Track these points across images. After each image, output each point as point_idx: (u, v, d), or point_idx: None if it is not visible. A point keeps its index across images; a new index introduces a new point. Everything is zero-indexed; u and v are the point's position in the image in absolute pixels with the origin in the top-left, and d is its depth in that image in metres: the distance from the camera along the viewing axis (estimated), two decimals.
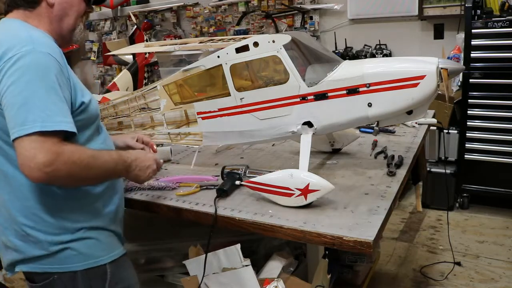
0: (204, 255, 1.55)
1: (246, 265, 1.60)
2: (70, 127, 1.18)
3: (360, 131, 2.23)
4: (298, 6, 4.56)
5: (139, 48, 2.58)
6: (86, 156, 1.21)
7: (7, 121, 1.16)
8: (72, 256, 1.31)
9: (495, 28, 3.22)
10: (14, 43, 1.19)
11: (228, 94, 1.64)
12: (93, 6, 1.53)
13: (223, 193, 1.57)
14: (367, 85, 1.47)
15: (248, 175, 1.63)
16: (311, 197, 1.42)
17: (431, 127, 2.66)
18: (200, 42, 1.90)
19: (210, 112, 1.71)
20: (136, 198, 1.68)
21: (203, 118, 1.73)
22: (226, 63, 1.60)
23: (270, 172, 1.54)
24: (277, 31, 4.72)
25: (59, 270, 1.30)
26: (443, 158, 3.68)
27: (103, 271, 1.35)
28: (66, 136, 1.19)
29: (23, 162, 1.12)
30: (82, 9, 1.38)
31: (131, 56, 3.90)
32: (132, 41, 4.42)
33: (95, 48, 6.01)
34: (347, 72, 1.51)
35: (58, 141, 1.15)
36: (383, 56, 4.12)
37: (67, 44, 1.41)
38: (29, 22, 1.31)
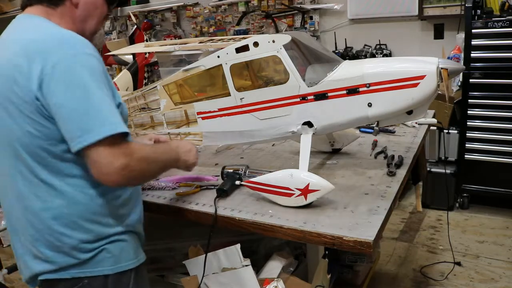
0: (204, 255, 1.55)
1: (246, 265, 1.60)
2: (127, 127, 1.17)
3: (360, 131, 2.23)
4: (298, 6, 4.56)
5: (139, 48, 2.58)
6: (149, 151, 1.25)
7: (65, 130, 1.12)
8: (105, 259, 1.26)
9: (495, 28, 3.22)
10: (54, 44, 1.14)
11: (228, 94, 1.64)
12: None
13: (223, 193, 1.57)
14: (367, 85, 1.47)
15: (248, 175, 1.63)
16: (311, 197, 1.43)
17: (431, 127, 2.66)
18: (200, 42, 1.90)
19: (210, 112, 1.71)
20: None
21: (203, 118, 1.73)
22: (226, 63, 1.60)
23: (270, 172, 1.54)
24: (277, 31, 4.72)
25: (90, 274, 1.25)
26: (443, 158, 3.68)
27: (128, 277, 1.31)
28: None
29: (99, 170, 1.12)
30: (104, 12, 1.35)
31: (131, 56, 3.89)
32: (132, 41, 4.42)
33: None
34: (347, 72, 1.51)
35: (125, 142, 1.15)
36: (383, 56, 4.12)
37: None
38: (51, 20, 1.25)
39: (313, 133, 1.57)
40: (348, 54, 4.22)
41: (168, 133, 1.87)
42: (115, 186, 1.19)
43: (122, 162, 1.12)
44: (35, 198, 1.21)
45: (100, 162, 1.11)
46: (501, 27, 3.20)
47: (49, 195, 1.20)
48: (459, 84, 3.60)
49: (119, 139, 1.13)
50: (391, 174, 1.68)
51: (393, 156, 1.84)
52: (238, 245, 1.63)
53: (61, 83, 1.10)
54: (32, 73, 1.11)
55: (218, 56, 1.62)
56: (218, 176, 1.72)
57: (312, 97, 1.53)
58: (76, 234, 1.22)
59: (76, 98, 1.10)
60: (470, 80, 3.38)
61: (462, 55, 3.48)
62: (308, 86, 1.53)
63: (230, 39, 1.72)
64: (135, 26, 4.43)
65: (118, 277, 1.28)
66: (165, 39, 5.16)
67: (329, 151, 1.98)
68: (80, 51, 1.15)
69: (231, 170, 1.67)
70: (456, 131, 3.57)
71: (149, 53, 3.45)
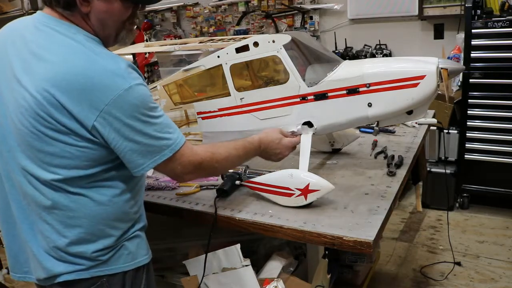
0: (204, 255, 1.55)
1: (246, 265, 1.60)
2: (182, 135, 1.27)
3: (360, 131, 2.23)
4: (298, 6, 4.56)
5: (139, 48, 2.58)
6: (220, 153, 1.37)
7: (128, 160, 1.18)
8: (123, 256, 1.27)
9: (495, 28, 3.22)
10: (105, 79, 1.10)
11: (228, 94, 1.64)
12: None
13: (223, 193, 1.57)
14: (367, 85, 1.47)
15: (248, 175, 1.64)
16: (311, 197, 1.43)
17: (431, 127, 2.66)
18: (200, 42, 1.90)
19: (210, 112, 1.71)
20: None
21: (203, 118, 1.73)
22: (226, 63, 1.60)
23: (270, 172, 1.54)
24: (277, 31, 4.72)
25: (109, 272, 1.25)
26: (443, 158, 3.68)
27: (141, 272, 1.33)
28: None
29: (174, 177, 1.33)
30: (125, 16, 1.25)
31: (131, 56, 3.89)
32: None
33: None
34: (347, 72, 1.51)
35: (189, 149, 1.26)
36: (383, 56, 4.12)
37: (112, 45, 1.30)
38: (75, 23, 1.20)
39: (313, 133, 1.57)
40: (348, 54, 4.22)
41: None
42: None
43: (191, 167, 1.28)
44: (63, 207, 1.20)
45: (172, 172, 1.28)
46: (501, 27, 3.19)
47: (77, 204, 1.20)
48: (459, 84, 3.60)
49: (180, 151, 1.23)
50: (391, 174, 1.68)
51: (393, 156, 1.84)
52: (238, 245, 1.63)
53: (118, 120, 1.12)
54: (83, 111, 1.10)
55: (218, 56, 1.62)
56: (218, 176, 1.72)
57: (312, 97, 1.53)
58: (99, 239, 1.23)
59: (136, 132, 1.15)
60: (470, 80, 3.38)
61: (462, 55, 3.47)
62: (308, 86, 1.53)
63: (230, 39, 1.72)
64: (135, 26, 4.41)
65: (134, 273, 1.30)
66: (165, 39, 5.16)
67: (329, 151, 1.97)
68: (133, 83, 1.13)
69: (231, 170, 1.67)
70: (456, 131, 3.57)
71: (149, 53, 3.45)
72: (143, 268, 1.33)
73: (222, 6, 5.02)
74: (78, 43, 1.16)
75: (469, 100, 3.44)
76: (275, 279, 1.61)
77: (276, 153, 1.55)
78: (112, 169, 1.22)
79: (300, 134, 1.59)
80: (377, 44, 4.24)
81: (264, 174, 1.56)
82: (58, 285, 1.25)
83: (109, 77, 1.11)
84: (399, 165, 1.75)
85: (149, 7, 5.40)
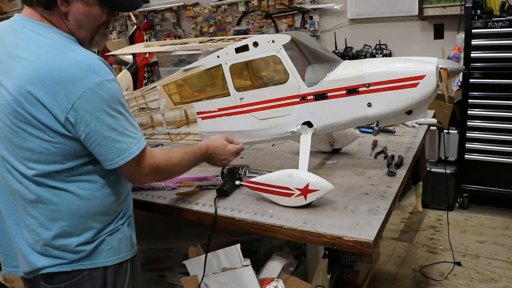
0: (204, 255, 1.55)
1: (246, 265, 1.60)
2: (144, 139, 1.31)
3: (360, 131, 2.23)
4: (298, 6, 4.56)
5: (139, 48, 2.58)
6: (172, 156, 1.42)
7: (98, 153, 1.23)
8: (105, 251, 1.32)
9: (495, 28, 3.22)
10: (77, 73, 1.15)
11: (228, 94, 1.64)
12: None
13: (223, 193, 1.57)
14: (367, 85, 1.47)
15: (248, 175, 1.64)
16: (311, 197, 1.43)
17: (431, 127, 2.66)
18: (200, 42, 1.90)
19: (209, 112, 1.71)
20: (136, 198, 1.68)
21: (202, 118, 1.73)
22: (225, 63, 1.60)
23: (270, 172, 1.54)
24: (277, 31, 4.72)
25: (91, 266, 1.30)
26: (443, 158, 3.68)
27: (125, 267, 1.38)
28: None
29: (133, 178, 1.35)
30: (101, 20, 1.29)
31: (131, 56, 3.89)
32: (132, 41, 4.41)
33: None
34: (347, 72, 1.51)
35: (149, 152, 1.32)
36: (383, 56, 4.12)
37: (87, 48, 1.32)
38: (52, 24, 1.25)
39: (313, 133, 1.57)
40: (348, 54, 4.22)
41: (168, 133, 1.87)
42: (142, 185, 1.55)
43: (149, 170, 1.32)
44: (47, 201, 1.25)
45: (132, 173, 1.30)
46: (501, 27, 3.19)
47: (60, 198, 1.25)
48: (459, 84, 3.60)
49: (143, 152, 1.28)
50: (391, 174, 1.68)
51: (393, 156, 1.84)
52: (238, 245, 1.63)
53: (89, 113, 1.17)
54: (56, 105, 1.15)
55: (218, 56, 1.62)
56: (218, 176, 1.72)
57: (311, 97, 1.53)
58: (82, 233, 1.28)
59: (106, 126, 1.19)
60: (470, 80, 3.38)
61: (462, 55, 3.47)
62: (308, 86, 1.53)
63: (230, 39, 1.72)
64: (135, 26, 4.42)
65: (116, 268, 1.35)
66: (165, 39, 5.16)
67: (329, 151, 1.97)
68: (104, 79, 1.18)
69: (231, 170, 1.68)
70: (456, 131, 3.57)
71: (149, 53, 3.45)
72: (127, 263, 1.38)
73: (222, 6, 5.02)
74: (53, 41, 1.21)
75: (469, 100, 3.43)
76: (275, 279, 1.61)
77: (222, 158, 1.62)
78: (90, 163, 1.27)
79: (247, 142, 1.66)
80: (377, 44, 4.24)
81: (264, 174, 1.56)
82: (41, 277, 1.31)
83: (81, 71, 1.16)
84: (399, 165, 1.75)
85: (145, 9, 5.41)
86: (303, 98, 1.54)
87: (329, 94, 1.51)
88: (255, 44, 1.54)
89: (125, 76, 3.40)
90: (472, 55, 3.33)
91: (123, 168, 1.27)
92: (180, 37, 5.29)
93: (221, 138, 1.64)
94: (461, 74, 3.34)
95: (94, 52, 1.29)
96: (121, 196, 1.37)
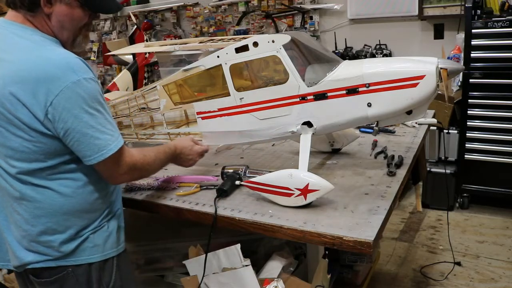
0: (204, 255, 1.55)
1: (246, 265, 1.60)
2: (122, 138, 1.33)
3: (360, 131, 2.23)
4: (298, 6, 4.56)
5: (139, 48, 2.58)
6: (147, 154, 1.44)
7: (76, 150, 1.25)
8: (88, 248, 1.35)
9: (495, 28, 3.22)
10: (56, 72, 1.18)
11: (228, 94, 1.64)
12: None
13: (223, 193, 1.57)
14: (367, 85, 1.46)
15: (248, 175, 1.64)
16: (310, 197, 1.43)
17: (431, 127, 2.66)
18: (200, 42, 1.90)
19: (209, 112, 1.71)
20: (136, 198, 1.68)
21: (202, 118, 1.73)
22: (225, 63, 1.60)
23: (270, 172, 1.54)
24: (277, 31, 4.72)
25: (75, 263, 1.34)
26: (443, 158, 3.68)
27: (111, 264, 1.41)
28: None
29: (110, 176, 1.34)
30: (82, 21, 1.34)
31: (131, 56, 3.89)
32: (132, 41, 4.42)
33: (95, 48, 6.01)
34: (347, 72, 1.51)
35: (126, 150, 1.34)
36: (383, 56, 4.12)
37: (70, 49, 1.35)
38: (35, 26, 1.28)
39: (313, 133, 1.57)
40: (348, 54, 4.22)
41: (168, 133, 1.87)
42: (117, 184, 1.45)
43: (126, 168, 1.34)
44: (30, 198, 1.29)
45: (109, 171, 1.32)
46: (501, 27, 3.19)
47: (43, 196, 1.29)
48: (459, 84, 3.60)
49: (121, 149, 1.30)
50: (391, 174, 1.68)
51: (393, 156, 1.84)
52: (238, 245, 1.63)
53: (67, 111, 1.20)
54: (36, 103, 1.18)
55: (218, 56, 1.62)
56: (218, 176, 1.72)
57: (311, 97, 1.53)
58: (66, 229, 1.32)
59: (83, 123, 1.22)
60: (470, 80, 3.38)
61: (462, 55, 3.47)
62: (308, 86, 1.53)
63: (230, 39, 1.72)
64: (135, 26, 4.42)
65: (101, 265, 1.38)
66: (165, 39, 5.16)
67: (329, 151, 1.97)
68: (82, 78, 1.21)
69: (231, 170, 1.68)
70: (456, 131, 3.57)
71: (149, 53, 3.45)
72: (112, 259, 1.41)
73: (222, 6, 5.02)
74: (33, 42, 1.25)
75: (469, 100, 3.44)
76: (275, 279, 1.61)
77: (188, 158, 1.66)
78: (72, 162, 1.30)
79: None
80: (377, 44, 4.24)
81: (264, 174, 1.56)
82: (29, 271, 1.36)
83: (60, 70, 1.19)
84: (399, 165, 1.75)
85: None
86: (303, 98, 1.54)
87: (329, 94, 1.51)
88: (255, 44, 1.54)
89: (125, 76, 3.40)
90: (472, 55, 3.33)
91: (101, 166, 1.29)
92: (180, 37, 5.28)
93: (187, 139, 1.69)
94: (461, 74, 3.34)
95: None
96: (105, 194, 1.40)
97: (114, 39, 5.83)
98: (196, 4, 5.19)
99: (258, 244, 1.97)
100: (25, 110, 1.19)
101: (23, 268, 1.35)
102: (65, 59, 1.22)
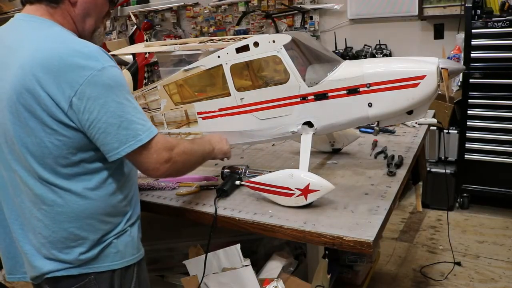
0: (204, 255, 1.55)
1: (246, 265, 1.60)
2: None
3: (360, 131, 2.23)
4: (298, 6, 4.56)
5: (139, 48, 2.57)
6: (187, 144, 1.37)
7: (102, 143, 1.18)
8: (112, 254, 1.28)
9: (495, 28, 3.22)
10: (79, 60, 1.13)
11: (228, 94, 1.64)
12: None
13: (223, 193, 1.57)
14: (368, 85, 1.46)
15: (248, 175, 1.64)
16: (311, 197, 1.43)
17: (431, 127, 2.66)
18: (200, 42, 1.90)
19: (210, 112, 1.71)
20: None
21: (203, 118, 1.73)
22: (226, 63, 1.60)
23: (270, 172, 1.54)
24: (277, 31, 4.72)
25: (97, 270, 1.27)
26: (443, 158, 3.68)
27: (131, 272, 1.35)
28: None
29: (147, 167, 1.24)
30: (105, 10, 1.34)
31: (131, 56, 3.89)
32: (132, 41, 4.41)
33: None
34: (347, 72, 1.50)
35: (164, 138, 1.26)
36: (383, 56, 4.12)
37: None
38: (54, 19, 1.25)
39: (313, 133, 1.57)
40: (348, 54, 4.22)
41: (169, 133, 1.87)
42: (160, 177, 1.39)
43: (165, 156, 1.24)
44: (51, 202, 1.22)
45: (145, 162, 1.23)
46: (501, 27, 3.20)
47: (64, 199, 1.22)
48: (459, 84, 3.60)
49: (157, 138, 1.23)
50: (391, 174, 1.68)
51: (393, 156, 1.84)
52: (238, 245, 1.63)
53: (93, 100, 1.14)
54: (59, 93, 1.13)
55: (218, 56, 1.61)
56: (218, 176, 1.72)
57: (312, 97, 1.53)
58: (89, 235, 1.25)
59: (110, 112, 1.15)
60: (470, 80, 3.38)
61: (462, 55, 3.47)
62: (308, 86, 1.53)
63: (230, 39, 1.72)
64: (135, 26, 4.42)
65: (123, 272, 1.31)
66: (165, 39, 5.16)
67: (329, 151, 1.98)
68: (106, 65, 1.16)
69: (231, 170, 1.67)
70: (456, 131, 3.57)
71: (149, 53, 3.45)
72: (134, 266, 1.35)
73: (222, 6, 5.02)
74: (53, 32, 1.22)
75: (469, 100, 3.44)
76: (275, 279, 1.61)
77: (219, 140, 1.60)
78: (95, 160, 1.23)
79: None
80: (377, 44, 4.24)
81: (264, 174, 1.55)
82: (46, 282, 1.27)
83: (82, 58, 1.14)
84: (399, 165, 1.75)
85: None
86: (304, 98, 1.54)
87: (329, 94, 1.51)
88: (256, 44, 1.54)
89: (125, 76, 3.39)
90: (472, 55, 3.33)
91: (133, 157, 1.22)
92: (180, 37, 5.28)
93: (217, 135, 1.64)
94: (461, 74, 3.34)
95: None
96: (127, 196, 1.33)
97: (114, 39, 5.82)
98: (196, 4, 5.19)
99: (258, 244, 1.97)
100: (48, 100, 1.13)
101: (41, 278, 1.27)
102: (87, 47, 1.17)
